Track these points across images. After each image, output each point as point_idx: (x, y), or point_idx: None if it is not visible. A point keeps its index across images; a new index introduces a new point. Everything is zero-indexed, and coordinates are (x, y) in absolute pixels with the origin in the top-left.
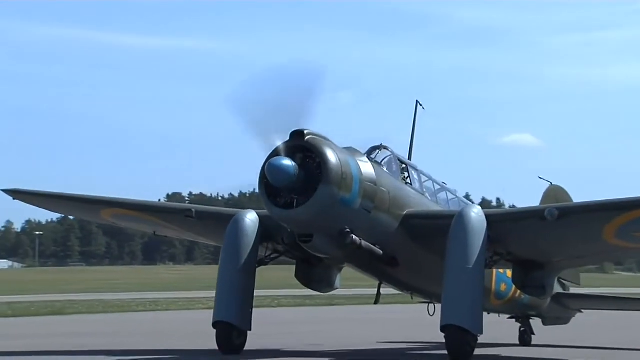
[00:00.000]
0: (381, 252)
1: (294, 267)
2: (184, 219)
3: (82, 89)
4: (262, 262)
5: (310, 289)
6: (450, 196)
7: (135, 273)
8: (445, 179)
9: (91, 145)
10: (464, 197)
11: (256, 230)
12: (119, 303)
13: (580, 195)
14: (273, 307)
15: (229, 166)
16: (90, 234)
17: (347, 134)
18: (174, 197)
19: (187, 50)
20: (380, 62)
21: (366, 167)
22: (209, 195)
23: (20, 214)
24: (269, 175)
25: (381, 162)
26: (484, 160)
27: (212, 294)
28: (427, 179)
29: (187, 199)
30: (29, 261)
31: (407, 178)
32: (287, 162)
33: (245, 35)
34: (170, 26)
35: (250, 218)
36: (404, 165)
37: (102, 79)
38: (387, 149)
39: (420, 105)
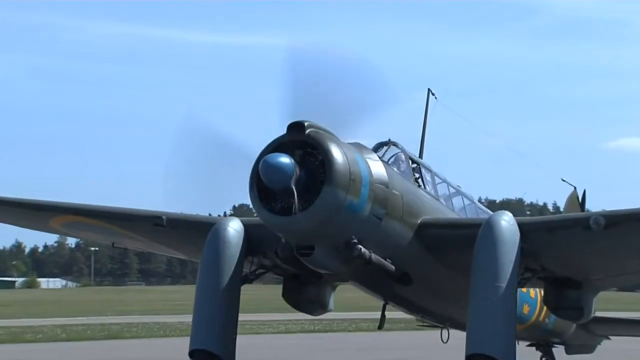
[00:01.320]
0: (393, 267)
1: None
2: (153, 228)
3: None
4: (246, 280)
5: (300, 311)
6: (466, 201)
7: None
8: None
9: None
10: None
11: (241, 242)
12: (182, 326)
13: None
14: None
15: None
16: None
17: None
18: (240, 208)
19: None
20: (467, 59)
21: (377, 167)
22: None
23: None
24: (263, 175)
25: (389, 160)
26: (591, 166)
27: (283, 316)
28: (440, 181)
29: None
30: (84, 280)
31: (418, 179)
32: (285, 159)
33: (320, 29)
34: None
35: (234, 227)
36: (415, 165)
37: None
38: (397, 146)
39: (433, 94)
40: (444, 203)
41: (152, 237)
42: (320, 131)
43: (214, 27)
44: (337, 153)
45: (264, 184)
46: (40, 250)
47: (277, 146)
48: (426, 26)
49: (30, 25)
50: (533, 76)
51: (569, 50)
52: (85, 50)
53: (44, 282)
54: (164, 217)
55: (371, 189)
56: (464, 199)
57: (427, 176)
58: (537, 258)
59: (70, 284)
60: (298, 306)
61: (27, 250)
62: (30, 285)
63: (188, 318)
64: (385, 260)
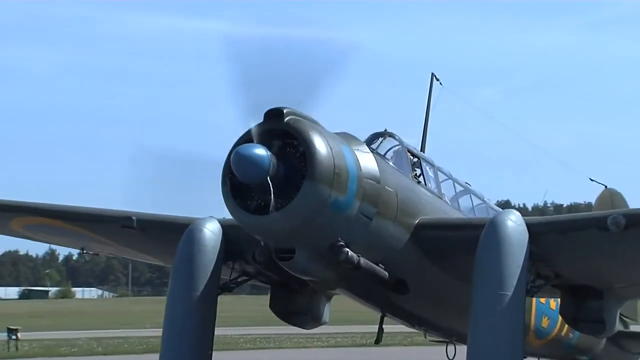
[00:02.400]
0: (386, 273)
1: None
2: (122, 231)
3: None
4: (226, 288)
5: (290, 324)
6: (476, 201)
7: (242, 304)
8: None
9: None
10: None
11: (218, 245)
12: (225, 339)
13: None
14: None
15: None
16: None
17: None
18: None
19: None
20: (533, 52)
21: (367, 160)
22: None
23: None
24: (236, 169)
25: (385, 153)
26: None
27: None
28: (446, 177)
29: None
30: (121, 290)
31: (419, 176)
32: (261, 150)
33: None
34: None
35: (211, 228)
36: (415, 159)
37: None
38: (394, 137)
39: (437, 79)
40: (449, 202)
41: (122, 240)
42: (301, 119)
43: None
44: (319, 143)
45: (238, 178)
46: (74, 258)
47: (252, 136)
48: (485, 18)
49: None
50: (591, 69)
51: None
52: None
53: (79, 292)
54: (133, 217)
55: (359, 184)
56: (473, 198)
57: (430, 172)
58: (549, 263)
59: (106, 294)
60: (287, 318)
61: (60, 258)
62: (65, 295)
63: (232, 330)
64: (377, 265)
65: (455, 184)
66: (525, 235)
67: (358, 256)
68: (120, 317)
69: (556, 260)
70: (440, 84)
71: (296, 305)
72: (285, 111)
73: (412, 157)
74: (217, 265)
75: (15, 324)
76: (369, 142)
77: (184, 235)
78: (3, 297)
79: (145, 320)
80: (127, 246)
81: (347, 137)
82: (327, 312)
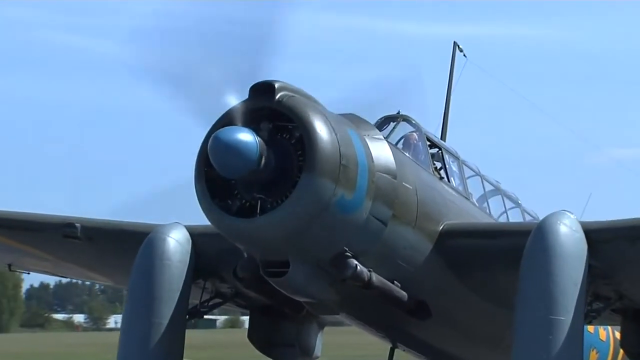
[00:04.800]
0: (405, 293)
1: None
2: (63, 242)
3: None
4: (195, 313)
5: (272, 358)
6: (509, 204)
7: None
8: None
9: None
10: None
11: (186, 259)
12: None
13: None
14: None
15: None
16: None
17: None
18: None
19: None
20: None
21: (380, 149)
22: None
23: None
24: (215, 159)
25: (398, 142)
26: None
27: None
28: (473, 173)
29: None
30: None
31: (440, 170)
32: (246, 135)
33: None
34: None
35: (176, 238)
36: (436, 150)
37: None
38: (410, 122)
39: (460, 50)
40: (477, 204)
41: (62, 253)
42: (298, 96)
43: None
44: (321, 127)
45: (216, 172)
46: None
47: (234, 117)
48: None
49: None
50: None
51: None
52: None
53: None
54: (77, 224)
55: (371, 179)
56: (505, 199)
57: (453, 165)
58: (611, 281)
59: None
60: (269, 350)
61: None
62: (233, 324)
63: None
64: (393, 283)
65: (484, 182)
66: (583, 245)
67: (369, 271)
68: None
69: (621, 276)
70: (464, 55)
71: (282, 335)
72: (277, 85)
73: (431, 148)
74: (185, 284)
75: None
76: (379, 126)
77: (142, 247)
78: None
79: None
80: (68, 261)
81: (355, 120)
82: (319, 343)
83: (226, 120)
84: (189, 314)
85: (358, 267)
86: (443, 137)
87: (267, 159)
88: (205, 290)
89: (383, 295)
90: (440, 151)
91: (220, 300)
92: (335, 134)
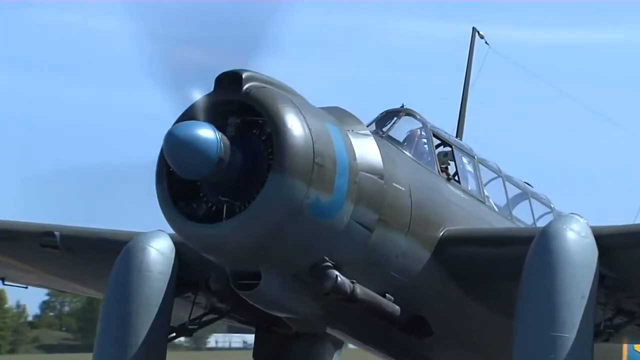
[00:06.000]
0: (397, 308)
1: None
2: (41, 251)
3: None
4: (184, 331)
5: None
6: (540, 209)
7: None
8: None
9: None
10: None
11: (169, 270)
12: None
13: None
14: None
15: None
16: None
17: None
18: None
19: None
20: None
21: (365, 146)
22: None
23: None
24: (172, 159)
25: (404, 140)
26: None
27: None
28: (494, 175)
29: None
30: None
31: (448, 168)
32: (206, 132)
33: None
34: None
35: (158, 247)
36: (446, 147)
37: None
38: (414, 116)
39: (481, 36)
40: (495, 208)
41: (43, 265)
42: (269, 87)
43: None
44: (293, 121)
45: (176, 173)
46: None
47: (197, 111)
48: None
49: None
50: None
51: None
52: None
53: None
54: (56, 232)
55: (352, 180)
56: (535, 204)
57: (468, 166)
58: (634, 293)
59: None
60: None
61: None
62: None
63: None
64: (384, 296)
65: (508, 184)
66: (593, 252)
67: (352, 282)
68: None
69: None
70: (486, 42)
71: (291, 355)
72: (244, 75)
73: (439, 144)
74: (166, 299)
75: None
76: (380, 121)
77: (119, 257)
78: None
79: None
80: (47, 272)
81: (338, 113)
82: None
83: (188, 115)
84: (176, 332)
85: (339, 279)
86: (459, 133)
87: (232, 157)
88: (198, 305)
89: (371, 309)
90: (451, 149)
91: (216, 316)
92: (309, 129)
